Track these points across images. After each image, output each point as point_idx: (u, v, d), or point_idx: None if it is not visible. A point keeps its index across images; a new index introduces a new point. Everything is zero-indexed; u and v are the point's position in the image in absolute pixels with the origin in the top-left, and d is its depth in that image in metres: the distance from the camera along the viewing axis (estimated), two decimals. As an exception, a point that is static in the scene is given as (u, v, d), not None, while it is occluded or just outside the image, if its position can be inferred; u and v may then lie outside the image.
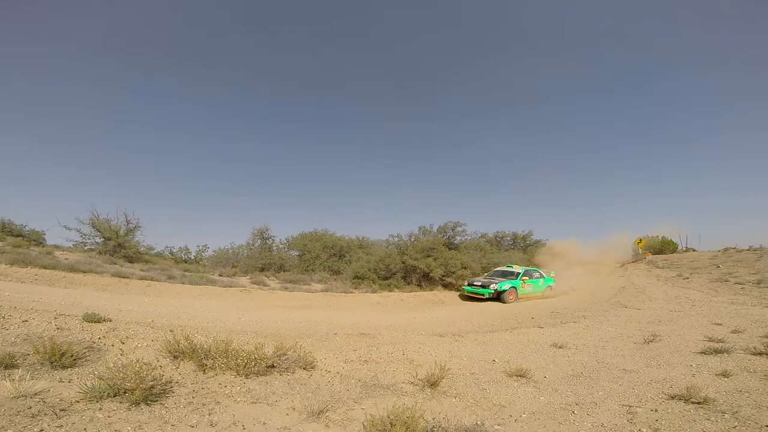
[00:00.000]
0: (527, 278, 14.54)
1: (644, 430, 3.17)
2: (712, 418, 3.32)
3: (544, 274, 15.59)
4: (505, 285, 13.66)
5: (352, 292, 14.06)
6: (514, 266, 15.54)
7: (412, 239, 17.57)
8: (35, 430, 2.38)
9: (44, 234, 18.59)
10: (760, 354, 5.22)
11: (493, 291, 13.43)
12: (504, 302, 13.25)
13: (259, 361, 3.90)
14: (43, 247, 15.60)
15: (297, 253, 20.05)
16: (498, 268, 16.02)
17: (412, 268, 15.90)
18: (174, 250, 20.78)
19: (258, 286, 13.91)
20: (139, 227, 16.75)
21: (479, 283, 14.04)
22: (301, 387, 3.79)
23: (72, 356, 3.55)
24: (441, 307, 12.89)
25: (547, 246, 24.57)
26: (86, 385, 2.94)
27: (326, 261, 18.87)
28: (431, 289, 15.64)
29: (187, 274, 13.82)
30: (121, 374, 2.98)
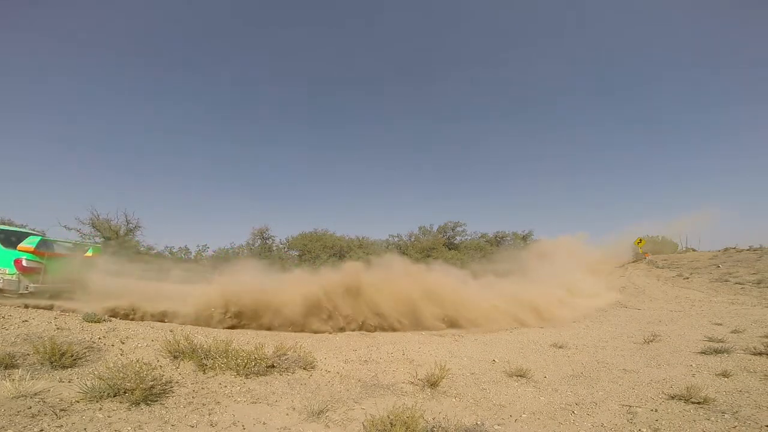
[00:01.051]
0: None
1: (644, 430, 3.17)
2: (712, 418, 3.31)
3: None
4: None
5: (352, 292, 14.03)
6: None
7: (412, 239, 17.61)
8: (35, 430, 2.38)
9: (44, 234, 18.63)
10: (760, 354, 5.22)
11: None
12: None
13: (259, 361, 3.90)
14: (43, 247, 15.59)
15: (297, 253, 20.08)
16: None
17: (412, 268, 15.91)
18: (174, 250, 20.82)
19: (258, 286, 13.88)
20: (139, 227, 16.83)
21: None
22: (301, 387, 3.79)
23: (72, 356, 3.55)
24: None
25: (544, 242, 19.26)
26: (86, 385, 2.94)
27: (326, 261, 18.89)
28: (431, 289, 15.61)
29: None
30: (121, 374, 2.98)
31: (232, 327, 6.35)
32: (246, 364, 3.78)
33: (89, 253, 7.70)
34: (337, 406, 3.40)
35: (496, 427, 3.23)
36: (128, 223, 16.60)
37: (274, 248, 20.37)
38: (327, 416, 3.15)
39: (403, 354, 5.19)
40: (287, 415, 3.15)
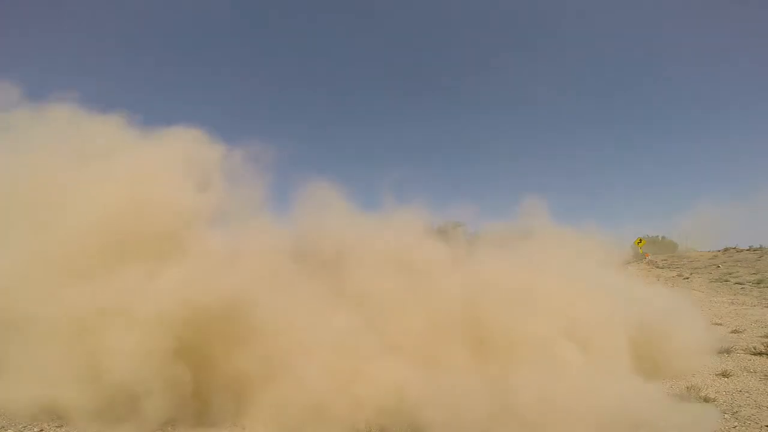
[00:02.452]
0: None
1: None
2: (712, 418, 3.31)
3: None
4: None
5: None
6: None
7: (412, 239, 17.50)
8: (35, 430, 2.38)
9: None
10: (760, 354, 5.22)
11: None
12: None
13: (259, 360, 3.87)
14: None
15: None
16: None
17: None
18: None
19: (258, 285, 13.84)
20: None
21: None
22: (301, 387, 3.76)
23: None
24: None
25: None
26: (86, 384, 2.92)
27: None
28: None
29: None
30: (121, 374, 2.96)
31: None
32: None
33: None
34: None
35: (497, 427, 3.22)
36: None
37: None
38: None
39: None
40: (287, 415, 3.13)
